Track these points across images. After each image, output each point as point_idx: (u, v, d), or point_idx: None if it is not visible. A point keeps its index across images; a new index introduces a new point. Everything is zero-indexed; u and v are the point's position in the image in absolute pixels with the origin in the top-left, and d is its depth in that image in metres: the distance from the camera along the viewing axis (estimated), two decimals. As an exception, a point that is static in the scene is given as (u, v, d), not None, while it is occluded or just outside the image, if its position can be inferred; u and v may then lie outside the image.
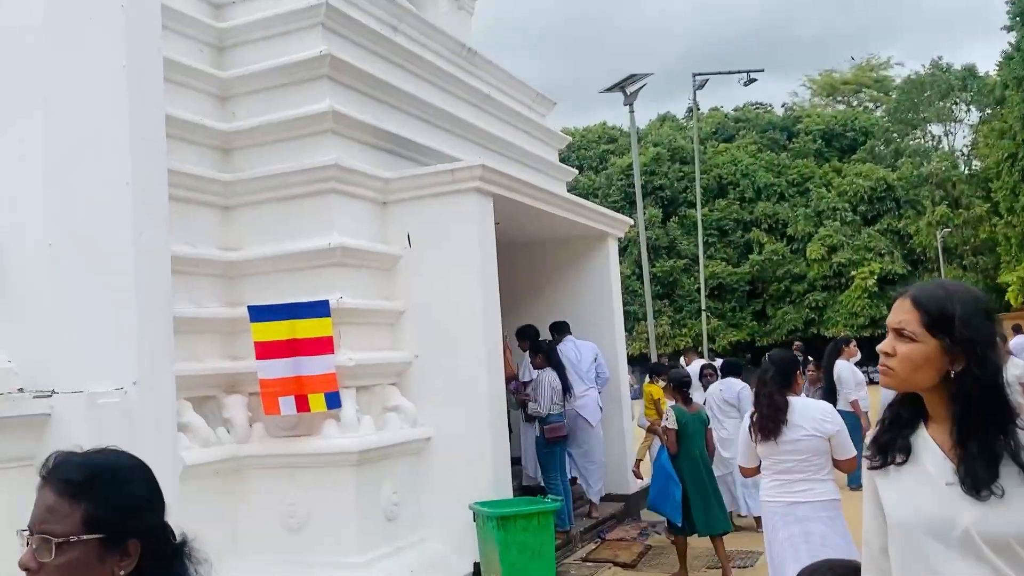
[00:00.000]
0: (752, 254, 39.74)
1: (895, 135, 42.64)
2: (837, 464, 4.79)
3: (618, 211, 42.38)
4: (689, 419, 7.05)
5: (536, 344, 8.12)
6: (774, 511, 4.84)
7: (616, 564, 7.67)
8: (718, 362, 11.07)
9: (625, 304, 38.55)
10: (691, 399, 7.31)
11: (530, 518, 6.20)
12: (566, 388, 7.92)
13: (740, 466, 5.31)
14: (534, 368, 8.08)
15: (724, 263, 40.33)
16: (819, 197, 39.54)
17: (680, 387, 7.23)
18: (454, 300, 6.91)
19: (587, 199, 41.75)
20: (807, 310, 38.13)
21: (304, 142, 6.72)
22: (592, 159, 46.62)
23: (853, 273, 37.09)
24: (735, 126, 45.90)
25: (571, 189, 44.27)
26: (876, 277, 36.52)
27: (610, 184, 42.48)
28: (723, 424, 8.49)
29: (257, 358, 6.19)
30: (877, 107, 49.52)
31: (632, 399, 10.75)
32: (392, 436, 6.54)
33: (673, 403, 7.21)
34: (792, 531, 4.71)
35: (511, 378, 8.51)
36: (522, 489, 8.59)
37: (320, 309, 6.21)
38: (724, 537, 7.14)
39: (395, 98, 7.51)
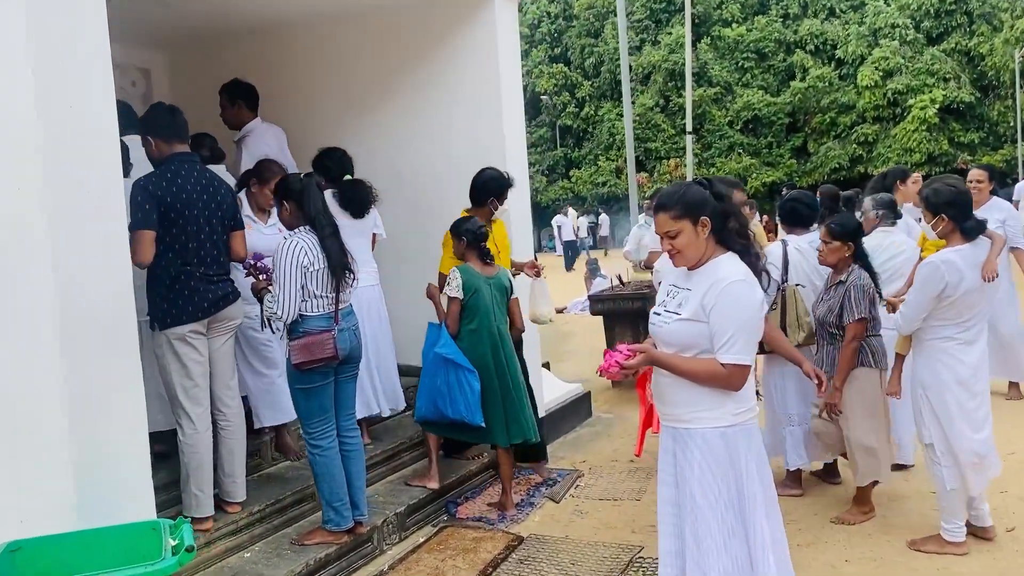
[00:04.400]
0: (794, 81, 34.50)
1: (973, -65, 35.97)
2: None
3: (641, 32, 37.25)
4: (483, 284, 4.83)
5: (287, 182, 4.14)
6: None
7: (432, 596, 4.06)
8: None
9: (647, 140, 34.04)
10: (490, 256, 4.96)
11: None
12: (340, 266, 4.03)
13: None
14: (285, 225, 4.18)
15: (762, 92, 35.17)
16: (875, 12, 33.72)
17: (477, 240, 4.87)
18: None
19: (607, 18, 36.31)
20: (854, 145, 33.18)
21: None
22: (615, -28, 40.79)
23: (911, 102, 31.85)
24: (782, -70, 39.41)
25: (588, 8, 38.73)
26: (937, 106, 31.28)
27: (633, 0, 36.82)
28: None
29: None
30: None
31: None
32: None
33: (465, 263, 4.89)
34: None
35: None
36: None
37: None
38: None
39: None
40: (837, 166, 33.15)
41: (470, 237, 4.87)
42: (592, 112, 37.83)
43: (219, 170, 4.55)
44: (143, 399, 3.27)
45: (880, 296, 4.54)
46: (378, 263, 5.46)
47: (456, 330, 4.80)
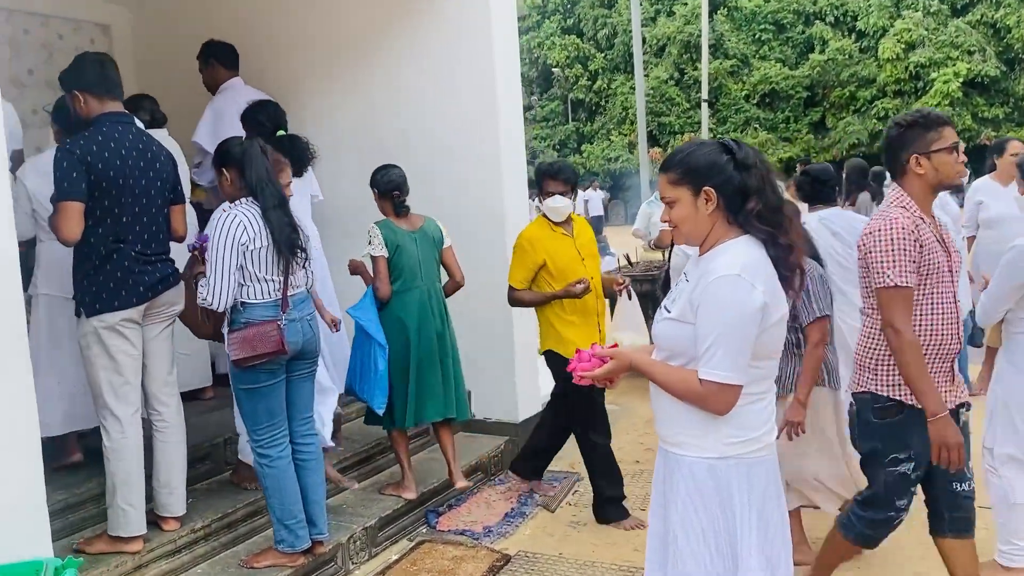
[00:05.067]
0: (813, 53, 33.47)
1: (1001, -100, 34.67)
2: None
3: (656, 3, 36.30)
4: (406, 240, 4.33)
5: (227, 146, 3.53)
6: None
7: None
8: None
9: (661, 114, 33.06)
10: (407, 208, 4.42)
11: None
12: (289, 247, 3.43)
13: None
14: (226, 198, 3.57)
15: (780, 64, 34.15)
16: (899, -19, 32.63)
17: (391, 191, 4.37)
18: None
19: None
20: (874, 121, 32.05)
21: None
22: (631, -58, 39.61)
23: (933, 75, 30.77)
24: None
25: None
26: (961, 80, 30.23)
27: (649, -29, 35.74)
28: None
29: None
30: None
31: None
32: None
33: (385, 218, 4.39)
34: None
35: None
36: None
37: None
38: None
39: None
40: (856, 142, 32.16)
41: (381, 187, 4.39)
42: (605, 85, 36.88)
43: (160, 135, 3.94)
44: (34, 402, 2.69)
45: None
46: (348, 240, 4.87)
47: (388, 293, 4.27)
